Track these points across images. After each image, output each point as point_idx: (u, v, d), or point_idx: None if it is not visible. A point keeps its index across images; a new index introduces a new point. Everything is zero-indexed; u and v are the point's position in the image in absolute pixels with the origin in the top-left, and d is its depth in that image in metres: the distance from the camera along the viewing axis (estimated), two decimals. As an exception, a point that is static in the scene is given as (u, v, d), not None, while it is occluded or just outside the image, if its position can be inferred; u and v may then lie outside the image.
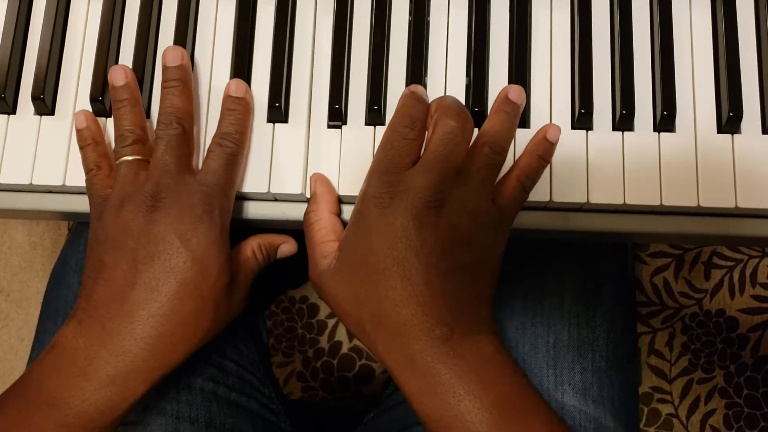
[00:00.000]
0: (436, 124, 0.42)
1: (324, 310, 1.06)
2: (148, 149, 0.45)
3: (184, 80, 0.45)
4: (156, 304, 0.41)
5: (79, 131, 0.46)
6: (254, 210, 0.48)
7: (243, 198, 0.48)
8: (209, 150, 0.44)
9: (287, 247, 0.49)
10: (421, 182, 0.40)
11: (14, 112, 0.49)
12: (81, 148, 0.46)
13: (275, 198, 0.48)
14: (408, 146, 0.42)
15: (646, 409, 1.01)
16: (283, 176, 0.47)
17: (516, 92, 0.44)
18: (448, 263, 0.40)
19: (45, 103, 0.48)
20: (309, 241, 0.45)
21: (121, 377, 0.41)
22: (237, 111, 0.45)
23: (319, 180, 0.46)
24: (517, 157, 0.45)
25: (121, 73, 0.45)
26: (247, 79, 0.48)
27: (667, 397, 1.01)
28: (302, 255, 0.88)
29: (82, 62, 0.49)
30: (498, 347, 0.41)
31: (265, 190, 0.47)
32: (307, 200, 0.47)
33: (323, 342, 1.05)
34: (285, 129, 0.47)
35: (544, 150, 0.44)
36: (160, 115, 0.44)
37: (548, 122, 0.47)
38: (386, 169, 0.42)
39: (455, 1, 0.48)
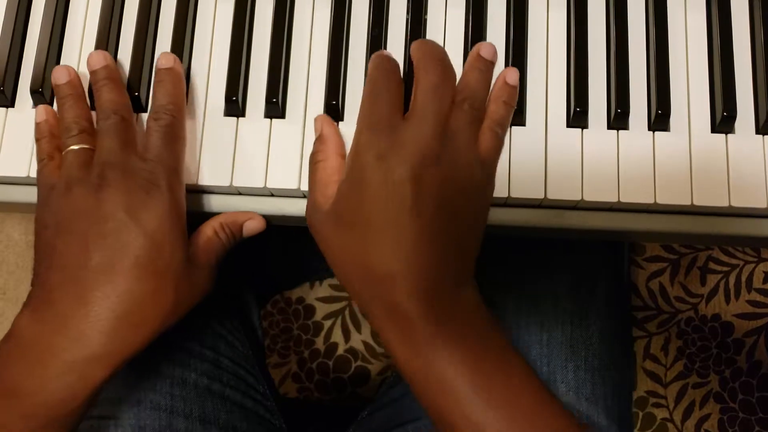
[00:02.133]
0: (419, 77, 0.43)
1: (320, 312, 1.06)
2: (94, 139, 0.45)
3: (112, 77, 0.46)
4: (110, 284, 0.40)
5: (37, 124, 0.46)
6: (252, 206, 0.48)
7: (239, 194, 0.48)
8: (147, 127, 0.44)
9: (252, 223, 0.48)
10: (416, 136, 0.41)
11: (12, 105, 0.49)
12: (37, 140, 0.46)
13: (272, 193, 0.48)
14: (392, 97, 0.43)
15: (641, 414, 1.01)
16: (280, 171, 0.47)
17: (487, 49, 0.45)
18: (439, 219, 0.40)
19: (43, 97, 0.48)
20: (312, 181, 0.45)
21: (80, 363, 0.40)
22: (167, 82, 0.45)
23: (326, 121, 0.46)
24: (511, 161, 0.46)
25: (63, 72, 0.46)
26: (245, 75, 0.48)
27: (662, 402, 1.01)
28: (298, 255, 0.88)
29: (81, 57, 0.49)
30: (479, 302, 0.42)
31: (261, 185, 0.47)
32: (304, 195, 0.48)
33: (319, 343, 1.05)
34: (281, 125, 0.48)
35: (507, 95, 0.45)
36: (97, 111, 0.45)
37: (544, 120, 0.47)
38: (377, 123, 0.42)
39: (453, 0, 0.49)
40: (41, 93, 0.48)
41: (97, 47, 0.49)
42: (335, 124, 0.47)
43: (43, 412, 0.40)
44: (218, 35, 0.49)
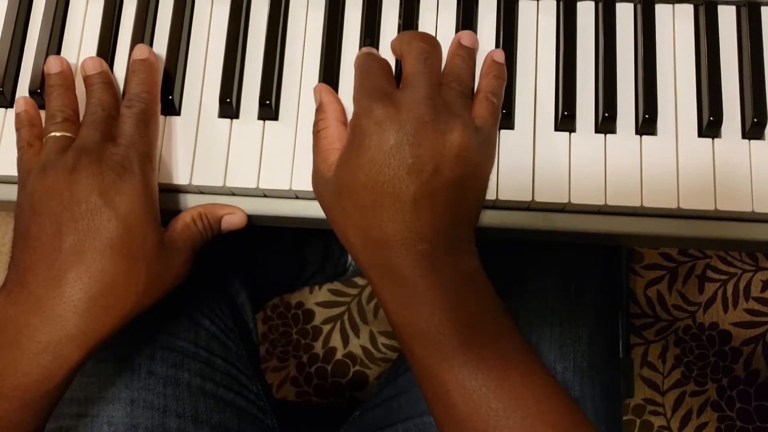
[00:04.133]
0: (405, 51, 0.44)
1: (319, 316, 1.06)
2: (77, 130, 0.46)
3: (106, 82, 0.47)
4: (83, 265, 0.41)
5: (17, 114, 0.48)
6: (245, 206, 0.49)
7: (232, 194, 0.49)
8: (120, 114, 0.45)
9: (232, 218, 0.48)
10: (411, 101, 0.42)
11: (12, 106, 0.50)
12: (17, 129, 0.47)
13: (264, 194, 0.49)
14: (383, 68, 0.45)
15: (638, 421, 1.01)
16: (273, 172, 0.48)
17: (468, 37, 0.47)
18: (437, 181, 0.41)
19: (42, 98, 0.49)
20: (315, 150, 0.46)
21: (54, 344, 0.41)
22: (141, 71, 0.47)
23: (325, 90, 0.47)
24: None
25: (56, 62, 0.48)
26: (239, 78, 0.49)
27: (660, 410, 1.01)
28: (297, 259, 0.89)
29: (78, 59, 0.50)
30: (477, 268, 0.42)
31: (254, 186, 0.48)
32: (296, 196, 0.48)
33: (318, 348, 1.06)
34: (274, 127, 0.48)
35: (497, 70, 0.46)
36: (86, 107, 0.46)
37: (532, 124, 0.48)
38: (372, 91, 0.43)
39: (444, 4, 0.50)
40: (39, 94, 0.49)
41: (98, 50, 0.50)
42: (334, 92, 0.48)
43: (19, 394, 0.41)
44: (213, 38, 0.50)
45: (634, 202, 0.46)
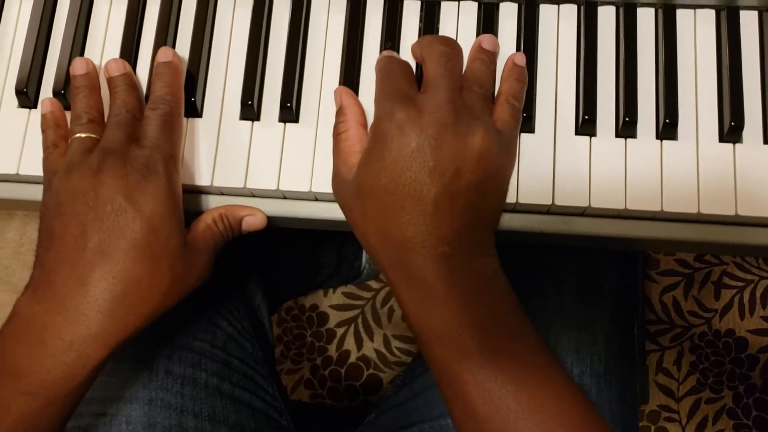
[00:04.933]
0: (426, 54, 0.45)
1: (333, 319, 1.06)
2: (101, 131, 0.46)
3: (129, 83, 0.48)
4: (107, 265, 0.41)
5: (43, 116, 0.48)
6: (264, 207, 0.49)
7: (252, 195, 0.49)
8: (145, 116, 0.46)
9: (252, 219, 0.48)
10: (432, 103, 0.42)
11: (36, 107, 0.51)
12: (42, 130, 0.48)
13: (284, 196, 0.49)
14: (405, 71, 0.45)
15: (653, 428, 1.00)
16: (293, 174, 0.48)
17: (488, 41, 0.47)
18: (459, 184, 0.41)
19: (65, 99, 0.50)
20: (335, 152, 0.46)
21: (78, 342, 0.41)
22: (165, 74, 0.47)
23: (345, 93, 0.47)
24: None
25: (82, 64, 0.48)
26: (261, 80, 0.49)
27: (675, 416, 1.00)
28: (312, 262, 0.89)
29: (102, 60, 0.51)
30: (496, 271, 0.43)
31: (274, 188, 0.48)
32: (315, 198, 0.49)
33: (332, 350, 1.06)
34: (295, 129, 0.49)
35: (518, 73, 0.47)
36: (110, 109, 0.47)
37: (552, 128, 0.48)
38: (394, 93, 0.43)
39: (465, 8, 0.50)
40: (63, 95, 0.50)
41: (121, 51, 0.50)
42: (354, 95, 0.48)
43: (42, 391, 0.41)
44: (235, 41, 0.50)
45: (654, 206, 0.46)
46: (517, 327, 0.42)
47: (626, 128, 0.47)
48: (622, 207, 0.46)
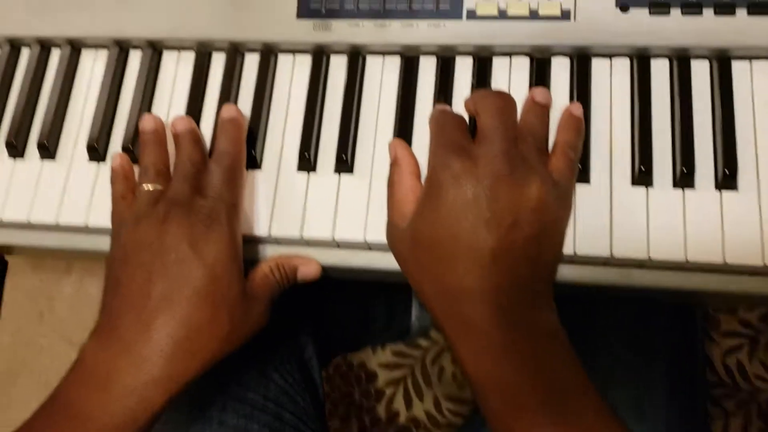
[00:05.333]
0: (480, 107, 0.45)
1: (382, 378, 1.05)
2: (168, 183, 0.48)
3: (194, 138, 0.50)
4: (170, 312, 0.43)
5: (113, 169, 0.50)
6: (319, 257, 0.50)
7: (307, 245, 0.50)
8: (208, 169, 0.48)
9: (308, 269, 0.49)
10: (487, 154, 0.42)
11: (104, 160, 0.53)
12: (112, 183, 0.50)
13: (338, 245, 0.50)
14: (459, 123, 0.45)
15: (719, 499, 0.95)
16: (347, 224, 0.49)
17: (541, 94, 0.47)
18: (515, 235, 0.41)
19: (133, 154, 0.52)
20: (390, 201, 0.47)
21: (140, 387, 0.42)
22: (229, 129, 0.49)
23: (399, 144, 0.48)
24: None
25: (151, 120, 0.51)
26: (317, 133, 0.51)
27: (743, 488, 0.95)
28: (363, 317, 0.89)
29: (168, 116, 0.53)
30: (555, 326, 0.42)
31: (329, 237, 0.49)
32: (369, 247, 0.49)
33: (380, 410, 1.04)
34: (350, 180, 0.50)
35: (575, 123, 0.47)
36: (176, 161, 0.49)
37: (608, 179, 0.47)
38: (449, 144, 0.44)
39: (517, 64, 0.51)
40: (132, 151, 0.52)
41: (187, 108, 0.53)
42: (408, 146, 0.49)
43: None
44: (294, 97, 0.52)
45: (716, 258, 0.45)
46: (577, 384, 0.41)
47: (684, 179, 0.46)
48: (682, 259, 0.45)
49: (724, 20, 0.47)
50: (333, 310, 0.81)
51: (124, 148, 0.52)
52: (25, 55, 0.57)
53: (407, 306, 0.93)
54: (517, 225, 0.41)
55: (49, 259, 1.17)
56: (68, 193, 0.52)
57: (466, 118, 0.49)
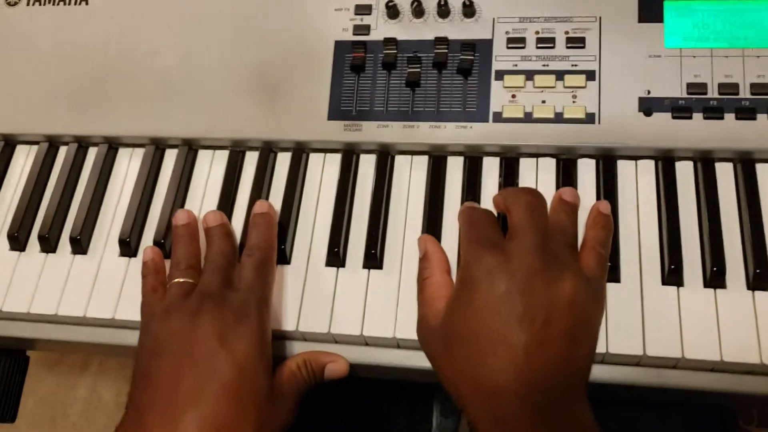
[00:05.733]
0: (511, 204, 0.45)
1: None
2: (199, 276, 0.48)
3: (226, 232, 0.51)
4: (199, 408, 0.42)
5: (144, 263, 0.51)
6: (346, 354, 0.49)
7: (335, 341, 0.49)
8: (241, 262, 0.48)
9: (335, 366, 0.48)
10: (520, 249, 0.42)
11: (135, 256, 0.54)
12: (143, 276, 0.50)
13: (366, 342, 0.49)
14: (490, 219, 0.46)
15: None
16: (376, 320, 0.48)
17: (569, 193, 0.48)
18: (550, 331, 0.40)
19: (165, 249, 0.52)
20: (421, 297, 0.47)
21: None
22: (261, 224, 0.50)
23: (429, 240, 0.49)
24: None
25: (184, 215, 0.52)
26: (347, 227, 0.51)
27: None
28: (381, 420, 0.86)
29: (201, 212, 0.54)
30: (590, 421, 0.41)
31: (357, 333, 0.48)
32: (398, 345, 0.49)
33: None
34: (379, 275, 0.50)
35: (603, 221, 0.47)
36: (207, 254, 0.49)
37: (638, 277, 0.47)
38: (481, 240, 0.44)
39: (544, 164, 0.52)
40: (163, 244, 0.53)
41: (219, 204, 0.54)
42: (437, 242, 0.49)
43: None
44: (324, 193, 0.53)
45: (752, 359, 0.44)
46: None
47: (715, 279, 0.46)
48: (717, 359, 0.45)
49: (746, 124, 0.49)
50: (353, 410, 0.79)
51: (156, 242, 0.53)
52: (62, 153, 0.59)
53: (428, 413, 0.91)
54: (551, 321, 0.41)
55: (65, 356, 1.15)
56: (97, 288, 0.53)
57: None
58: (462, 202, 0.51)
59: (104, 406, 1.14)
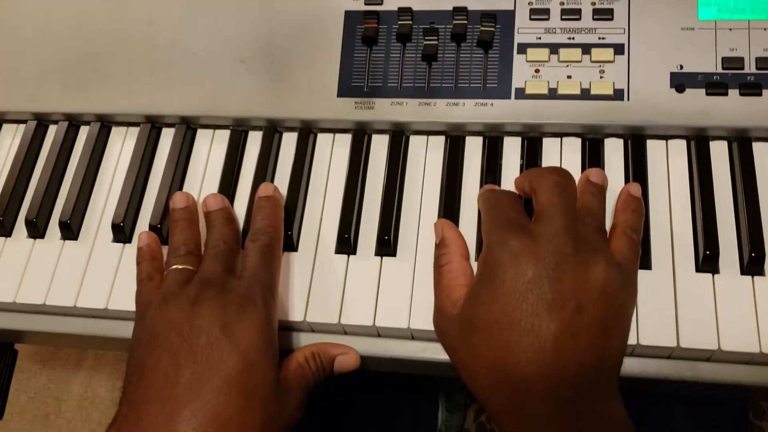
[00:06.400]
0: (538, 185, 0.43)
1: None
2: (198, 263, 0.45)
3: (227, 216, 0.47)
4: (199, 402, 0.38)
5: (139, 249, 0.48)
6: (358, 346, 0.46)
7: (345, 333, 0.46)
8: (245, 248, 0.45)
9: (345, 359, 0.45)
10: (548, 232, 0.39)
11: (129, 242, 0.50)
12: (138, 263, 0.47)
13: (379, 333, 0.46)
14: (513, 200, 0.44)
15: None
16: (389, 310, 0.45)
17: (596, 174, 0.45)
18: (581, 319, 0.37)
19: (161, 234, 0.49)
20: (438, 286, 0.44)
21: None
22: (266, 207, 0.47)
23: (447, 225, 0.46)
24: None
25: (183, 198, 0.48)
26: (358, 214, 0.48)
27: None
28: (384, 422, 0.83)
29: (200, 195, 0.51)
30: (623, 417, 0.38)
31: (369, 324, 0.45)
32: (412, 336, 0.46)
33: None
34: (392, 263, 0.47)
35: (634, 204, 0.44)
36: (207, 241, 0.46)
37: (671, 264, 0.45)
38: (506, 222, 0.41)
39: (568, 144, 0.49)
40: (159, 229, 0.49)
41: (220, 187, 0.50)
42: (456, 227, 0.46)
43: None
44: (333, 176, 0.50)
45: (795, 350, 0.41)
46: None
47: (752, 265, 0.43)
48: (756, 350, 0.42)
49: (786, 101, 0.46)
50: (354, 414, 0.76)
51: (152, 227, 0.49)
52: (51, 132, 0.55)
53: (433, 409, 0.88)
54: (582, 308, 0.38)
55: (59, 351, 1.12)
56: (89, 276, 0.49)
57: None
58: (481, 185, 0.48)
59: (99, 402, 1.10)
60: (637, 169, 0.47)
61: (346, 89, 0.50)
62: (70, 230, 0.50)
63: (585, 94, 0.48)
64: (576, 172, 0.47)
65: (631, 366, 0.44)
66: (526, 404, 0.37)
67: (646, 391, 0.47)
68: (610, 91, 0.47)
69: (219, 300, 0.41)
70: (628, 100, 0.47)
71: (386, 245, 0.47)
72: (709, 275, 0.44)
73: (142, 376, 0.40)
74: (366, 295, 0.46)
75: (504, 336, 0.38)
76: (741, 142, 0.47)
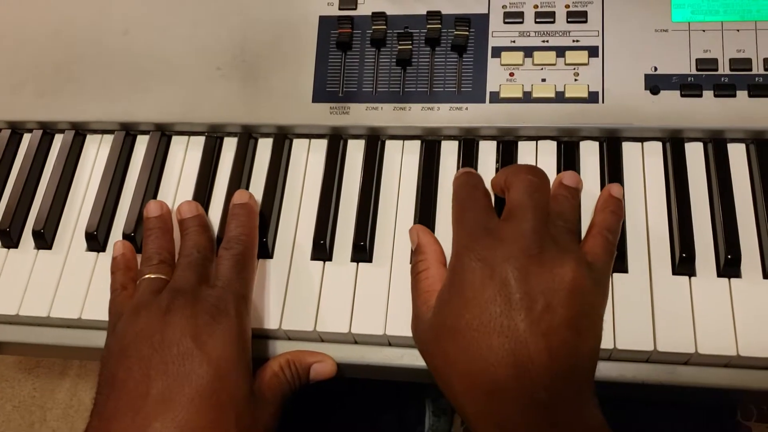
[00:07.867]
0: (512, 183, 0.42)
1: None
2: (171, 272, 0.45)
3: (201, 224, 0.47)
4: (169, 414, 0.38)
5: (114, 258, 0.47)
6: (334, 353, 0.45)
7: (321, 340, 0.46)
8: (218, 256, 0.44)
9: (322, 366, 0.45)
10: (515, 233, 0.39)
11: (103, 251, 0.50)
12: (112, 272, 0.47)
13: (355, 340, 0.46)
14: (483, 202, 0.43)
15: None
16: (366, 316, 0.45)
17: (570, 177, 0.45)
18: (550, 319, 0.37)
19: (135, 242, 0.49)
20: (415, 291, 0.43)
21: None
22: (241, 215, 0.46)
23: (422, 230, 0.45)
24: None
25: (156, 206, 0.48)
26: (334, 218, 0.48)
27: None
28: (368, 428, 0.83)
29: (174, 203, 0.50)
30: (602, 423, 0.37)
31: (345, 331, 0.45)
32: (389, 343, 0.45)
33: None
34: (369, 269, 0.46)
35: (614, 205, 0.44)
36: (181, 249, 0.46)
37: (647, 267, 0.44)
38: (472, 226, 0.41)
39: (544, 147, 0.49)
40: (133, 237, 0.49)
41: (194, 194, 0.50)
42: (431, 232, 0.46)
43: None
44: (309, 182, 0.50)
45: (770, 353, 0.41)
46: None
47: (729, 267, 0.43)
48: (733, 353, 0.42)
49: (760, 102, 0.46)
50: (340, 420, 0.75)
51: (126, 236, 0.49)
52: (26, 141, 0.54)
53: (420, 414, 0.87)
54: (551, 308, 0.37)
55: (43, 359, 1.11)
56: (63, 285, 0.49)
57: (491, 193, 0.46)
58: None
59: (85, 410, 1.09)
60: (612, 171, 0.47)
61: (321, 95, 0.50)
62: (44, 239, 0.50)
63: (560, 97, 0.47)
64: (552, 175, 0.47)
65: (608, 370, 0.43)
66: (499, 409, 0.37)
67: (631, 395, 0.46)
68: (585, 94, 0.47)
69: (191, 310, 0.41)
70: (603, 102, 0.47)
71: (362, 251, 0.46)
72: (686, 278, 0.44)
73: (113, 388, 0.40)
74: (342, 302, 0.46)
75: (474, 339, 0.38)
76: (716, 144, 0.47)
